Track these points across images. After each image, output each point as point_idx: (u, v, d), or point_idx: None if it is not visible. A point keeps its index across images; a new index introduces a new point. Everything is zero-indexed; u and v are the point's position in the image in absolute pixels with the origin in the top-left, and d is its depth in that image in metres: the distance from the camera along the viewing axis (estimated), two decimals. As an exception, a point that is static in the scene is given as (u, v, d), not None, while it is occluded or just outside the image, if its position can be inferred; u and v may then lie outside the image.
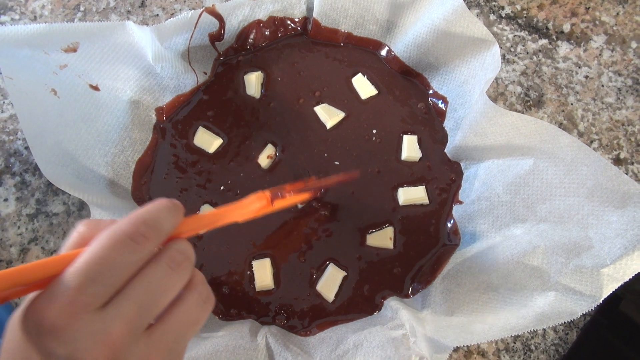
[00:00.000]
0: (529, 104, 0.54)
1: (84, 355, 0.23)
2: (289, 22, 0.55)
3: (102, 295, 0.24)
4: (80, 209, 0.50)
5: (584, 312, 0.38)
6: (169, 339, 0.26)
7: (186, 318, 0.27)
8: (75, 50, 0.46)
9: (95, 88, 0.48)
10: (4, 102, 0.54)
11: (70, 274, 0.24)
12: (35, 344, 0.23)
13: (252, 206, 0.35)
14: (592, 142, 0.53)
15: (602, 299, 0.38)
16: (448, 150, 0.51)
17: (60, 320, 0.23)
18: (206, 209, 0.49)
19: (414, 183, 0.50)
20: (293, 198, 0.39)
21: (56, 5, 0.58)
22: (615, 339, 0.46)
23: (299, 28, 0.56)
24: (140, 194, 0.49)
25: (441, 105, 0.52)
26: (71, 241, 0.26)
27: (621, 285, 0.38)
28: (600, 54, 0.57)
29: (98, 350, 0.23)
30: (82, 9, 0.58)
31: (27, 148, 0.52)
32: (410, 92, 0.53)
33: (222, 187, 0.50)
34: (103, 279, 0.24)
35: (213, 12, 0.51)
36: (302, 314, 0.46)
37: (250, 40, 0.54)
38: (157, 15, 0.58)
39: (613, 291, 0.38)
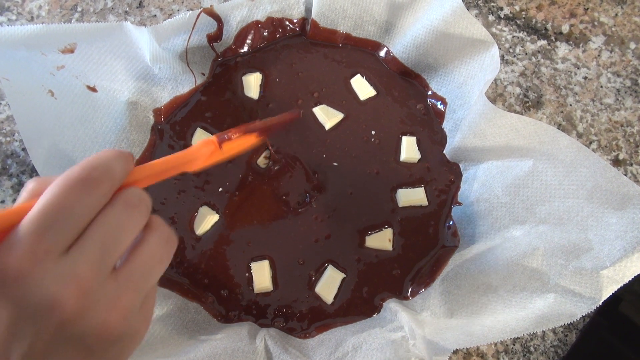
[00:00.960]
0: (527, 105, 0.54)
1: (55, 296, 0.23)
2: (287, 23, 0.55)
3: (62, 240, 0.24)
4: (78, 211, 0.49)
5: (584, 314, 0.38)
6: (136, 278, 0.26)
7: (150, 257, 0.27)
8: (72, 51, 0.45)
9: (93, 89, 0.47)
10: (0, 104, 0.54)
11: (28, 221, 0.24)
12: (2, 297, 0.23)
13: (201, 152, 0.34)
14: (591, 143, 0.53)
15: (602, 300, 0.38)
16: (447, 151, 0.51)
17: (24, 267, 0.23)
18: (204, 211, 0.48)
19: (412, 184, 0.50)
20: (240, 140, 0.38)
21: (53, 5, 0.58)
22: (615, 339, 0.46)
23: (297, 29, 0.55)
24: (138, 196, 0.49)
25: (440, 106, 0.52)
26: (21, 198, 0.26)
27: (621, 286, 0.38)
28: (599, 55, 0.57)
29: (68, 291, 0.24)
30: (79, 9, 0.58)
31: (24, 149, 0.52)
32: (409, 93, 0.53)
33: (220, 189, 0.49)
34: (61, 223, 0.24)
35: (211, 13, 0.51)
36: (301, 316, 0.45)
37: (249, 41, 0.54)
38: (155, 15, 0.58)
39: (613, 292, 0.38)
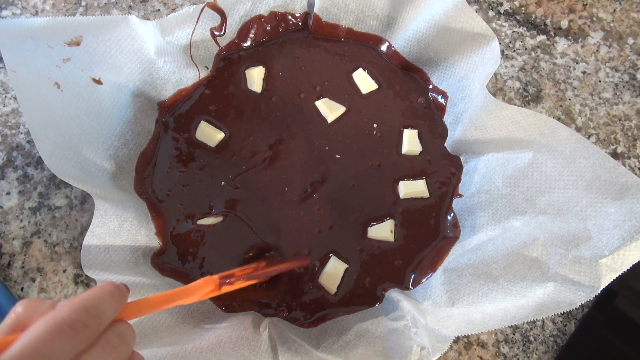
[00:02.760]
0: (527, 99, 0.55)
1: None
2: (290, 17, 0.55)
3: None
4: (83, 202, 0.50)
5: (583, 303, 0.39)
6: None
7: None
8: (78, 44, 0.46)
9: (98, 82, 0.48)
10: (5, 97, 0.54)
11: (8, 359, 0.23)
12: None
13: (200, 291, 0.35)
14: (589, 136, 0.54)
15: (601, 289, 0.39)
16: (448, 144, 0.51)
17: None
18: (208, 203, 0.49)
19: (414, 177, 0.50)
20: (240, 284, 0.40)
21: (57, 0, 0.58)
22: (610, 334, 0.47)
23: (300, 23, 0.56)
24: (143, 187, 0.49)
25: (441, 99, 0.53)
26: (7, 323, 0.26)
27: (616, 280, 0.39)
28: (597, 50, 0.57)
29: None
30: (83, 3, 0.58)
31: (29, 142, 0.52)
32: (410, 86, 0.54)
33: (222, 182, 0.50)
34: None
35: (215, 7, 0.51)
36: (304, 306, 0.46)
37: (252, 35, 0.55)
38: (159, 10, 0.58)
39: (608, 287, 0.39)
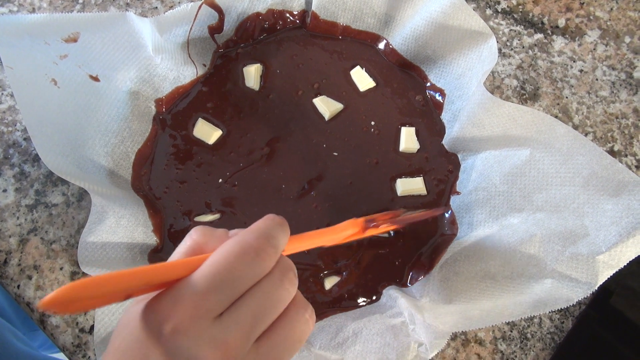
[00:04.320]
0: (524, 97, 0.55)
1: (202, 358, 0.24)
2: (287, 14, 0.55)
3: (223, 303, 0.25)
4: (80, 200, 0.50)
5: (580, 299, 0.39)
6: (276, 353, 0.26)
7: (292, 333, 0.27)
8: (75, 41, 0.46)
9: (95, 79, 0.48)
10: (2, 94, 0.54)
11: (198, 278, 0.24)
12: (156, 342, 0.24)
13: (345, 232, 0.36)
14: (586, 134, 0.54)
15: (598, 285, 0.39)
16: (445, 142, 0.51)
17: (184, 323, 0.24)
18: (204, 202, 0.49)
19: (412, 174, 0.50)
20: (385, 228, 0.40)
21: (55, -3, 0.58)
22: (606, 332, 0.47)
23: (297, 21, 0.56)
24: (140, 185, 0.49)
25: (439, 97, 0.53)
26: (186, 246, 0.27)
27: (613, 279, 0.39)
28: (594, 49, 0.58)
29: (215, 355, 0.24)
30: (80, 0, 0.58)
31: (26, 139, 0.52)
32: (408, 84, 0.54)
33: (220, 180, 0.50)
34: (227, 287, 0.25)
35: (212, 5, 0.51)
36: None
37: (249, 33, 0.55)
38: (156, 7, 0.58)
39: (604, 285, 0.39)
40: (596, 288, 0.39)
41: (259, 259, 0.26)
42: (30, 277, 0.47)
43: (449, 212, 0.49)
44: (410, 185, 0.49)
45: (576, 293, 0.39)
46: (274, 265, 0.27)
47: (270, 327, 0.26)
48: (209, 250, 0.27)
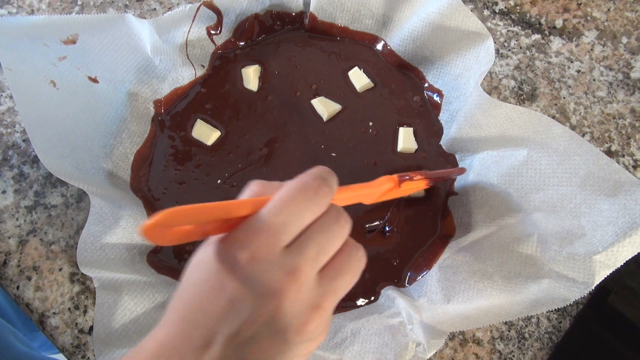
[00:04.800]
0: (522, 97, 0.55)
1: (275, 285, 0.26)
2: (286, 16, 0.56)
3: (292, 234, 0.27)
4: (79, 201, 0.50)
5: (577, 299, 0.39)
6: (336, 285, 0.29)
7: (349, 268, 0.30)
8: (74, 42, 0.46)
9: (94, 80, 0.48)
10: (1, 95, 0.54)
11: (269, 211, 0.27)
12: (232, 272, 0.26)
13: (383, 186, 0.38)
14: (584, 135, 0.54)
15: (595, 285, 0.39)
16: (443, 142, 0.52)
17: (260, 250, 0.26)
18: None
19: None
20: (419, 181, 0.42)
21: (53, -2, 0.58)
22: (604, 331, 0.47)
23: (296, 22, 0.56)
24: (139, 186, 0.49)
25: (436, 98, 0.53)
26: (246, 195, 0.30)
27: (610, 278, 0.39)
28: (591, 49, 0.58)
29: (287, 281, 0.26)
30: (79, 2, 0.58)
31: (25, 140, 0.52)
32: (406, 85, 0.54)
33: (218, 181, 0.50)
34: (294, 220, 0.27)
35: (211, 6, 0.51)
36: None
37: (248, 34, 0.55)
38: (155, 9, 0.58)
39: (602, 284, 0.39)
40: (593, 288, 0.39)
41: (318, 196, 0.28)
42: (29, 278, 0.48)
43: (447, 213, 0.49)
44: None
45: (573, 293, 0.39)
46: (330, 206, 0.29)
47: (330, 261, 0.29)
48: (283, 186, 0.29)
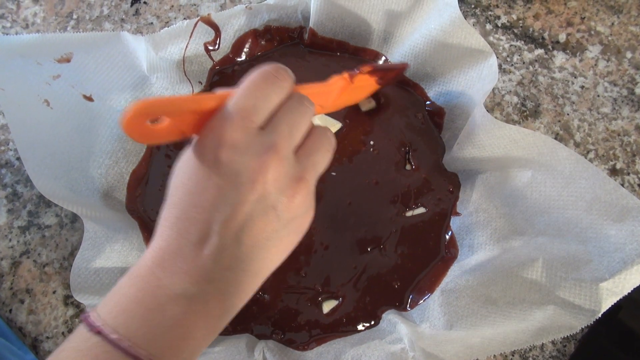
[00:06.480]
0: (525, 114, 0.54)
1: (257, 162, 0.28)
2: (285, 31, 0.55)
3: (262, 117, 0.29)
4: (73, 221, 0.49)
5: (583, 327, 0.38)
6: (312, 161, 0.31)
7: (321, 143, 0.32)
8: (68, 61, 0.45)
9: (89, 98, 0.47)
10: (-5, 112, 0.53)
11: (237, 100, 0.28)
12: (214, 161, 0.28)
13: (336, 84, 0.40)
14: (588, 152, 0.53)
15: (601, 313, 0.38)
16: (445, 161, 0.51)
17: (237, 135, 0.28)
18: None
19: (412, 194, 0.49)
20: (368, 79, 0.44)
21: (48, 13, 0.57)
22: (614, 348, 0.46)
23: (295, 37, 0.55)
24: (135, 206, 0.48)
25: (438, 116, 0.52)
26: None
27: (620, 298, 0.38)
28: (595, 64, 0.57)
29: (268, 157, 0.28)
30: (74, 16, 0.57)
31: (18, 159, 0.51)
32: (407, 102, 0.53)
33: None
34: (262, 102, 0.29)
35: (208, 22, 0.50)
36: (300, 328, 0.45)
37: (246, 50, 0.54)
38: (152, 23, 0.57)
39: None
40: (599, 316, 0.38)
41: (279, 80, 0.30)
42: (22, 301, 0.47)
43: (450, 234, 0.48)
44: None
45: (579, 320, 0.39)
46: (291, 92, 0.31)
47: (303, 141, 0.31)
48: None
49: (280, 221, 0.30)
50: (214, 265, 0.28)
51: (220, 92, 0.30)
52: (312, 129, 0.33)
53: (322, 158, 0.32)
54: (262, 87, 0.29)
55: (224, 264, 0.28)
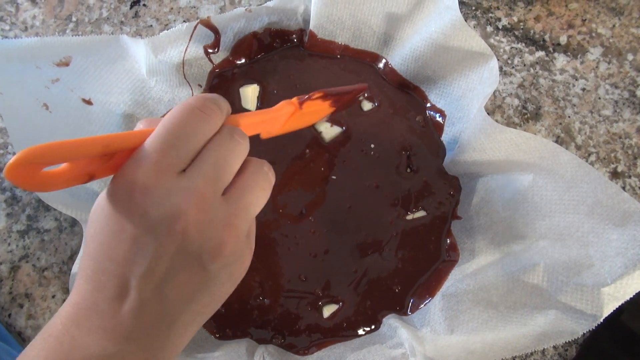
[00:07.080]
0: (526, 116, 0.54)
1: (179, 207, 0.25)
2: (285, 34, 0.54)
3: (183, 158, 0.26)
4: (73, 225, 0.49)
5: (585, 331, 0.38)
6: (244, 202, 0.28)
7: (255, 183, 0.29)
8: (67, 64, 0.45)
9: (88, 102, 0.47)
10: (-7, 115, 0.53)
11: (153, 139, 0.26)
12: (127, 210, 0.25)
13: (283, 110, 0.37)
14: (589, 155, 0.53)
15: (603, 318, 0.38)
16: (446, 164, 0.50)
17: (150, 180, 0.25)
18: None
19: (412, 197, 0.49)
20: (319, 101, 0.41)
21: (47, 15, 0.57)
22: (617, 351, 0.46)
23: (295, 40, 0.55)
24: (134, 210, 0.48)
25: (439, 118, 0.52)
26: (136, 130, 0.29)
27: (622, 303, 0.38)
28: (596, 66, 0.57)
29: (187, 204, 0.25)
30: (74, 19, 0.57)
31: (17, 162, 0.51)
32: (407, 105, 0.53)
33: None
34: (182, 142, 0.26)
35: (208, 24, 0.50)
36: (300, 333, 0.45)
37: (246, 52, 0.54)
38: (151, 26, 0.57)
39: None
40: (601, 321, 0.38)
41: (205, 115, 0.27)
42: (21, 306, 0.46)
43: (450, 237, 0.48)
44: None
45: (581, 325, 0.38)
46: (222, 125, 0.29)
47: (234, 180, 0.29)
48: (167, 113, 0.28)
49: (208, 272, 0.27)
50: (134, 321, 0.25)
51: (139, 129, 0.28)
52: (246, 165, 0.30)
53: (256, 198, 0.29)
54: (184, 125, 0.26)
55: (146, 320, 0.26)
